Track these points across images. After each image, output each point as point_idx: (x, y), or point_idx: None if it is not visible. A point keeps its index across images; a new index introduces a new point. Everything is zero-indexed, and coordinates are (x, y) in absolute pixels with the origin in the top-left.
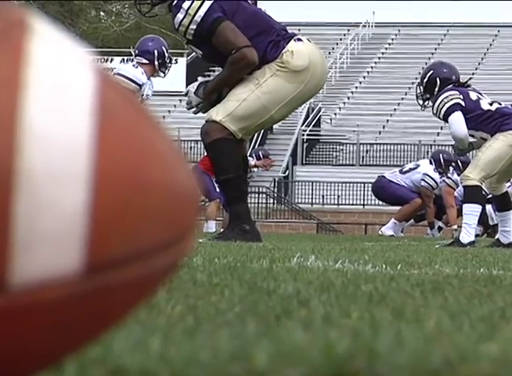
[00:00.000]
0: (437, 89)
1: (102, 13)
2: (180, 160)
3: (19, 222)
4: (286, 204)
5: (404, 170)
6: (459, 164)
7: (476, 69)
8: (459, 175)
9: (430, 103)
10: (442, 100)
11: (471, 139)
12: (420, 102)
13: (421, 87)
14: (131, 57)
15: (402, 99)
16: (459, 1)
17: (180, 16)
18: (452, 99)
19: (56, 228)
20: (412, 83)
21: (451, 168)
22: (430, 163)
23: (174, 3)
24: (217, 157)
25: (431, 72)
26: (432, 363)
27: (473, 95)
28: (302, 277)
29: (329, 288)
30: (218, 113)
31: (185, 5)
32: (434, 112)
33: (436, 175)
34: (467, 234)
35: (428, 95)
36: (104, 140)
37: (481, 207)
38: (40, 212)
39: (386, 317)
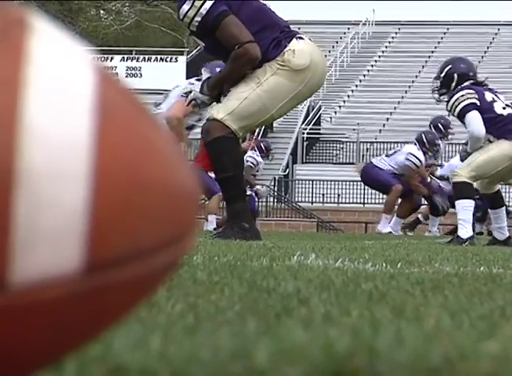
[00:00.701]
0: (453, 84)
1: (102, 12)
2: (180, 159)
3: (19, 221)
4: (286, 202)
5: (389, 153)
6: (440, 126)
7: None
8: (440, 138)
9: (446, 98)
10: (458, 99)
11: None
12: (436, 96)
13: (438, 81)
14: (131, 56)
15: (403, 97)
16: (459, 0)
17: (186, 7)
18: (467, 99)
19: (57, 227)
20: (413, 81)
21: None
22: (415, 145)
23: None
24: (217, 155)
25: (449, 67)
26: (432, 362)
27: (488, 97)
28: (302, 276)
29: (329, 287)
30: (219, 111)
31: None
32: (449, 109)
33: (420, 154)
34: (465, 230)
35: (445, 90)
36: (104, 139)
37: (473, 201)
38: (40, 211)
39: (386, 315)
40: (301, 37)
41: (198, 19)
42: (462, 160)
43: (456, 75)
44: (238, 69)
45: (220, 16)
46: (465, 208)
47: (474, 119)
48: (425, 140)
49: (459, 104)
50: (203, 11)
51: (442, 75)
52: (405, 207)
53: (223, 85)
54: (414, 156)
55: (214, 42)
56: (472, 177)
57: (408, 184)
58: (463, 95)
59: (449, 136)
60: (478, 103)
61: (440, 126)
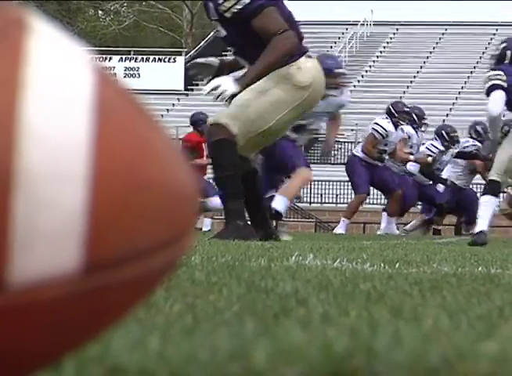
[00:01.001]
0: (506, 62)
1: (100, 12)
2: (178, 159)
3: (17, 221)
4: None
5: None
6: (414, 116)
7: (474, 68)
8: (414, 127)
9: None
10: (487, 77)
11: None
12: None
13: (493, 60)
14: (129, 56)
15: (401, 97)
16: (457, 1)
17: None
18: (493, 79)
19: (55, 227)
20: (411, 82)
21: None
22: (386, 118)
23: None
24: (217, 155)
25: (504, 45)
26: (430, 362)
27: None
28: (300, 276)
29: (327, 287)
30: (222, 116)
31: None
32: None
33: (385, 123)
34: (478, 224)
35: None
36: (102, 139)
37: (493, 198)
38: (39, 212)
39: (384, 316)
40: (309, 56)
41: (239, 6)
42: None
43: (509, 52)
44: (280, 56)
45: (263, 5)
46: (484, 204)
47: (494, 98)
48: (393, 110)
49: (486, 83)
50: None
51: (497, 53)
52: (393, 205)
53: (262, 78)
54: (378, 125)
55: (241, 32)
56: (499, 175)
57: (365, 149)
58: (491, 76)
59: (423, 127)
60: (505, 85)
61: (414, 116)
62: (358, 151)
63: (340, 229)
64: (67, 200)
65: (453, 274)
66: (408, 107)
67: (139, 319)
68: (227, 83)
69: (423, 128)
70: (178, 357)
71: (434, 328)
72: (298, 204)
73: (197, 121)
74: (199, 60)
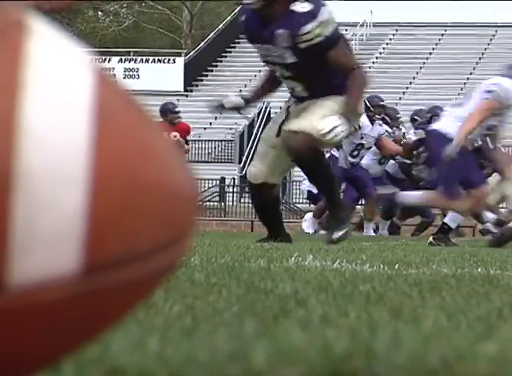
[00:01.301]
0: None
1: (99, 13)
2: (178, 161)
3: (17, 223)
4: (283, 203)
5: None
6: (387, 118)
7: (474, 69)
8: (389, 127)
9: None
10: None
11: None
12: None
13: None
14: (129, 57)
15: (400, 98)
16: (456, 1)
17: (312, 25)
18: None
19: (55, 229)
20: (411, 83)
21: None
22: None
23: (307, 10)
24: (313, 167)
25: None
26: (430, 363)
27: None
28: (300, 277)
29: (327, 288)
30: (312, 128)
31: (322, 18)
32: None
33: (364, 119)
34: None
35: None
36: (102, 142)
37: None
38: (38, 214)
39: (384, 317)
40: None
41: (320, 39)
42: None
43: None
44: (364, 90)
45: (339, 38)
46: None
47: None
48: (369, 104)
49: None
50: (327, 33)
51: None
52: (369, 209)
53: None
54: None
55: (310, 61)
56: None
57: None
58: None
59: (400, 126)
60: None
61: (386, 117)
62: (334, 150)
63: (308, 228)
64: (67, 202)
65: (452, 275)
66: (383, 101)
67: (139, 321)
68: (341, 124)
69: (400, 126)
70: (178, 358)
71: (434, 329)
72: (298, 205)
73: (166, 111)
74: (226, 104)
